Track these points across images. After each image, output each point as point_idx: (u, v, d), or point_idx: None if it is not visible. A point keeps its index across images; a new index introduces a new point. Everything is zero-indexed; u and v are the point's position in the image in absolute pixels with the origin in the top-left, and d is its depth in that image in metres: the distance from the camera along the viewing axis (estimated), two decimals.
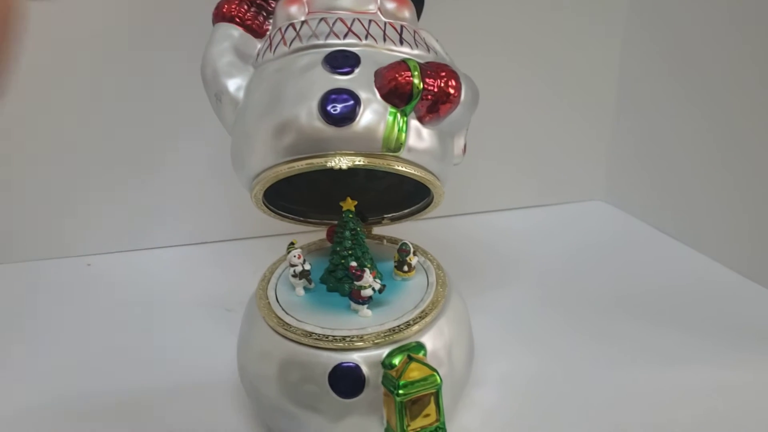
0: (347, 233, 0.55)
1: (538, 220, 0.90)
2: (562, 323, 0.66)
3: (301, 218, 0.63)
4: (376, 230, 0.64)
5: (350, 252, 0.56)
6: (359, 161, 0.51)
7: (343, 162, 0.51)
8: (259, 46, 0.57)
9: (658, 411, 0.55)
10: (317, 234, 0.64)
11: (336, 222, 0.57)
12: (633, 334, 0.65)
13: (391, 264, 0.58)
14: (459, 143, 0.57)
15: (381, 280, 0.54)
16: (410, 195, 0.62)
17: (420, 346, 0.54)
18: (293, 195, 0.62)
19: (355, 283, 0.52)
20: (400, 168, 0.51)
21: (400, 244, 0.60)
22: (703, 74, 0.76)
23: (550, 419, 0.55)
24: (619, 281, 0.74)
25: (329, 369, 0.49)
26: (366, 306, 0.53)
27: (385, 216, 0.64)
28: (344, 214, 0.56)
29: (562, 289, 0.73)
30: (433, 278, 0.58)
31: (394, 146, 0.50)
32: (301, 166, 0.51)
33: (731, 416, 0.54)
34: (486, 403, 0.59)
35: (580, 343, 0.63)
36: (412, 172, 0.51)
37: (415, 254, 0.60)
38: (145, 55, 0.77)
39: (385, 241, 0.64)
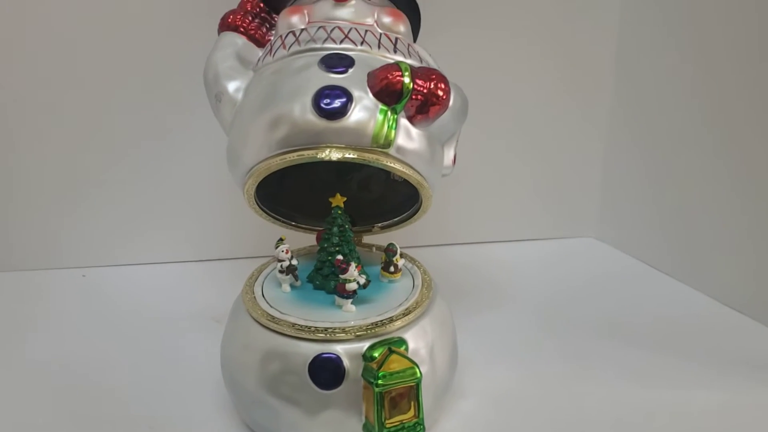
0: (335, 229, 0.56)
1: (529, 253, 0.90)
2: (548, 346, 0.67)
3: (293, 223, 0.64)
4: (366, 239, 0.65)
5: (337, 249, 0.56)
6: (350, 155, 0.52)
7: (333, 154, 0.52)
8: (260, 53, 0.59)
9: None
10: (308, 239, 0.64)
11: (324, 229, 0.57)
12: (620, 359, 0.65)
13: (378, 268, 0.59)
14: (449, 154, 0.58)
15: (367, 278, 0.56)
16: (400, 206, 0.64)
17: (401, 341, 0.54)
18: (286, 200, 0.63)
19: (340, 276, 0.53)
20: (389, 164, 0.52)
21: (387, 244, 0.61)
22: (700, 106, 0.76)
23: None
24: (610, 312, 0.74)
25: (310, 359, 0.50)
26: (350, 301, 0.53)
27: (375, 225, 0.65)
28: (333, 210, 0.56)
29: (551, 316, 0.73)
30: (419, 281, 0.59)
31: (383, 142, 0.52)
32: (293, 158, 0.53)
33: None
34: (468, 413, 0.58)
35: (565, 365, 0.64)
36: (401, 169, 0.52)
37: (402, 256, 0.61)
38: (148, 68, 0.78)
39: (374, 248, 0.65)
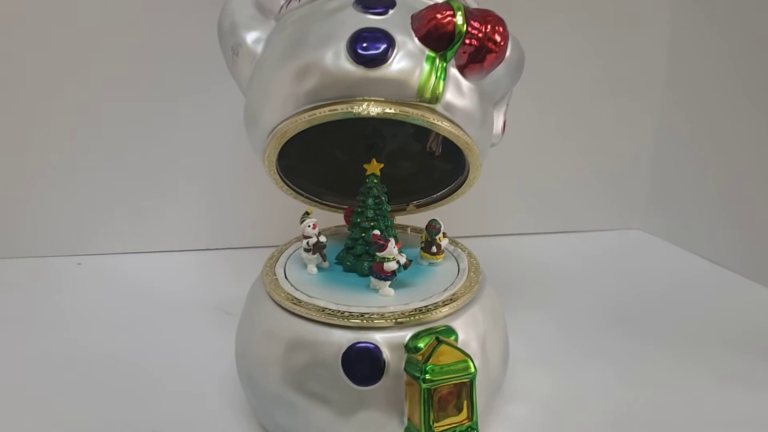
0: (370, 201, 0.50)
1: (573, 246, 0.86)
2: (605, 346, 0.63)
3: (317, 199, 0.58)
4: (400, 219, 0.59)
5: (372, 224, 0.50)
6: (390, 110, 0.46)
7: (372, 108, 0.46)
8: (282, 0, 0.52)
9: None
10: (334, 219, 0.59)
11: (354, 205, 0.52)
12: (686, 362, 0.61)
13: (416, 251, 0.53)
14: (499, 119, 0.53)
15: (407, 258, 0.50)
16: (436, 183, 0.58)
17: (450, 331, 0.47)
18: (309, 174, 0.58)
19: (378, 254, 0.47)
20: (435, 122, 0.46)
21: (429, 221, 0.54)
22: (756, 87, 0.73)
23: None
24: (669, 309, 0.70)
25: (343, 349, 0.44)
26: (389, 283, 0.48)
27: (410, 202, 0.59)
28: (368, 179, 0.51)
29: (604, 314, 0.69)
30: (464, 264, 0.53)
31: (430, 96, 0.45)
32: (323, 114, 0.46)
33: None
34: (519, 419, 0.53)
35: (625, 368, 0.60)
36: (448, 128, 0.46)
37: (445, 235, 0.54)
38: (147, 55, 0.75)
39: (409, 229, 0.59)
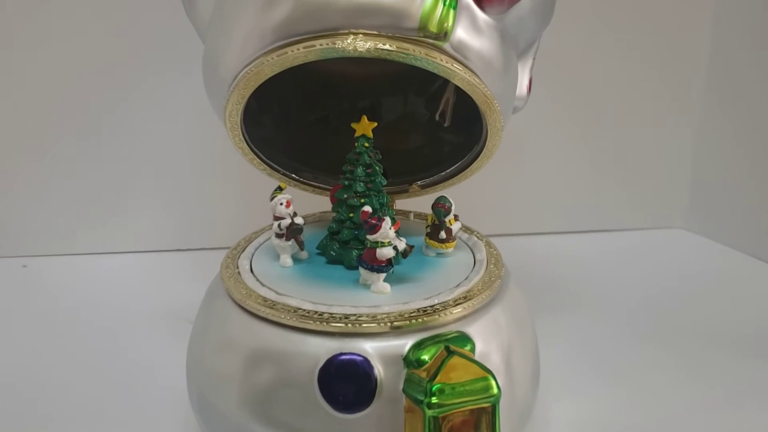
0: (360, 171, 0.43)
1: (609, 246, 0.83)
2: (649, 359, 0.58)
3: (297, 177, 0.52)
4: (401, 203, 0.53)
5: (363, 201, 0.43)
6: (385, 45, 0.37)
7: (360, 44, 0.37)
8: None
9: None
10: (318, 203, 0.53)
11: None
12: (741, 375, 0.56)
13: (421, 240, 0.46)
14: (524, 75, 0.47)
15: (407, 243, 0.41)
16: (444, 160, 0.52)
17: (465, 339, 0.38)
18: (288, 146, 0.52)
19: (369, 237, 0.39)
20: (444, 64, 0.38)
21: (436, 198, 0.45)
22: None
23: None
24: (720, 314, 0.66)
25: (321, 363, 0.36)
26: (383, 276, 0.40)
27: (414, 181, 0.53)
28: (357, 142, 0.43)
29: (647, 321, 0.65)
30: (481, 255, 0.45)
31: (436, 29, 0.38)
32: (297, 52, 0.38)
33: None
34: None
35: (667, 385, 0.55)
36: (461, 74, 0.39)
37: (457, 218, 0.45)
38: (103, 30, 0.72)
39: (412, 215, 0.53)
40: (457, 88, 0.51)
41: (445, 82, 0.50)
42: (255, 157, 0.48)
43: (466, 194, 0.52)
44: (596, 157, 0.84)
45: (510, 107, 0.45)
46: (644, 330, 0.63)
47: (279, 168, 0.50)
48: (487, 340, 0.39)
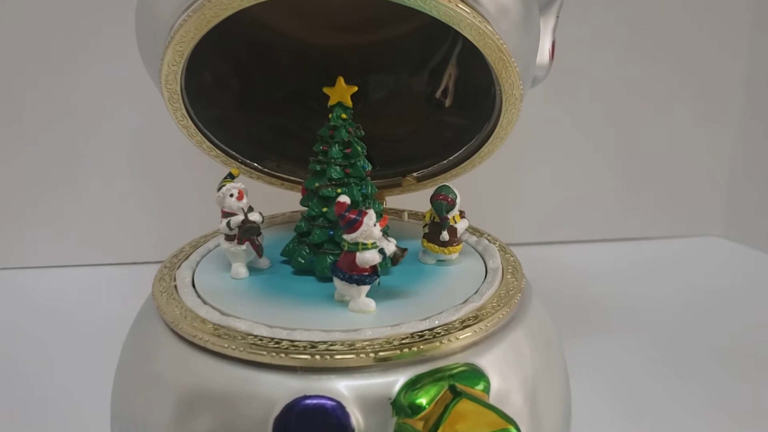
0: (335, 151, 0.36)
1: (640, 255, 0.80)
2: (686, 391, 0.55)
3: (257, 166, 0.45)
4: (392, 200, 0.47)
5: (339, 191, 0.36)
6: None
7: None
8: None
9: None
10: (286, 201, 0.48)
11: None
12: None
13: (416, 243, 0.40)
14: (546, 36, 0.42)
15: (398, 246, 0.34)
16: (445, 147, 0.46)
17: (476, 374, 0.31)
18: (251, 130, 0.46)
19: (346, 238, 0.32)
20: (445, 4, 0.31)
21: (437, 188, 0.38)
22: None
23: None
24: (756, 334, 0.63)
25: (279, 409, 0.29)
26: (366, 290, 0.33)
27: (408, 173, 0.47)
28: (332, 112, 0.37)
29: (688, 340, 0.62)
30: (495, 263, 0.38)
31: None
32: None
33: None
34: None
35: (726, 418, 0.52)
36: (469, 17, 0.32)
37: (463, 215, 0.38)
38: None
39: (406, 215, 0.47)
40: (461, 58, 0.46)
41: (446, 52, 0.45)
42: (204, 139, 0.41)
43: (474, 195, 0.46)
44: (625, 159, 0.82)
45: (530, 72, 0.39)
46: (683, 352, 0.60)
47: (237, 155, 0.44)
48: (505, 375, 0.32)
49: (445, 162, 0.45)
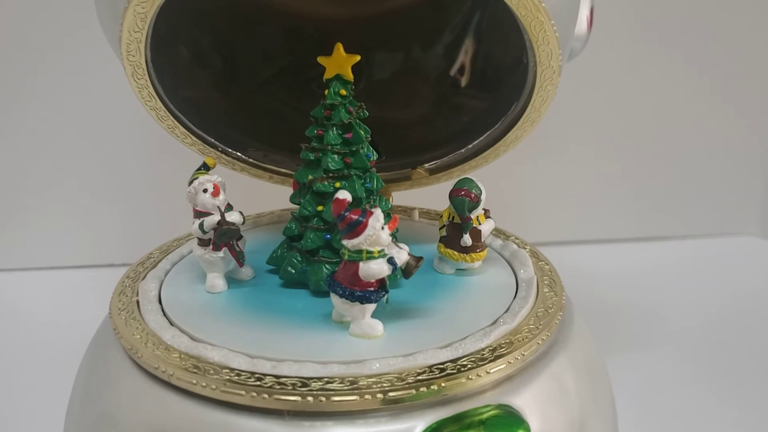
0: (332, 135, 0.31)
1: (671, 256, 0.76)
2: (720, 402, 0.53)
3: (241, 155, 0.42)
4: (399, 196, 0.43)
5: (338, 184, 0.31)
6: None
7: None
8: None
9: None
10: (273, 198, 0.45)
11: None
12: None
13: (431, 248, 0.36)
14: (584, 5, 0.39)
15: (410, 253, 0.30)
16: (465, 132, 0.43)
17: (513, 419, 0.26)
18: (230, 112, 0.43)
19: (346, 244, 0.28)
20: None
21: (457, 181, 0.33)
22: None
23: None
24: None
25: None
26: (372, 309, 0.29)
27: (419, 164, 0.43)
28: (329, 87, 0.31)
29: (737, 353, 0.60)
30: (527, 273, 0.33)
31: None
32: None
33: None
34: None
35: None
36: None
37: (488, 214, 0.33)
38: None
39: (416, 214, 0.44)
40: (479, 30, 0.42)
41: (462, 23, 0.42)
42: (176, 123, 0.36)
43: (491, 191, 0.41)
44: (655, 155, 0.79)
45: (568, 41, 0.35)
46: (734, 365, 0.58)
47: (216, 142, 0.40)
48: (548, 416, 0.28)
49: (462, 151, 0.42)
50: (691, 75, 0.78)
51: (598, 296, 0.68)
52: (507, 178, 0.64)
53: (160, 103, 0.37)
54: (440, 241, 0.35)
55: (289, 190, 0.39)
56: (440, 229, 0.35)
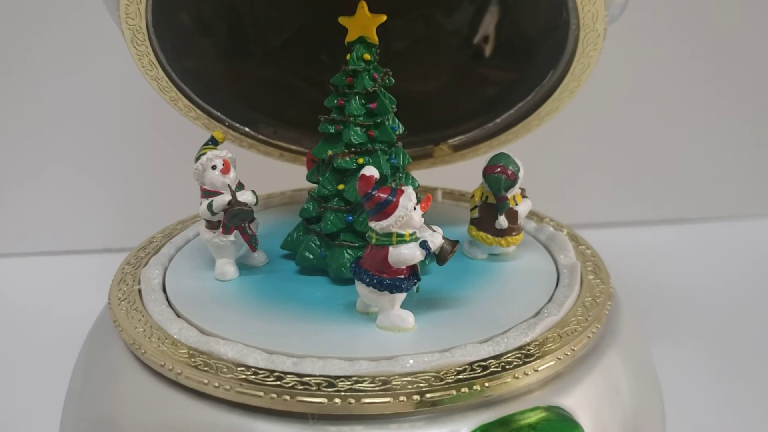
0: (354, 105, 0.29)
1: (694, 239, 0.73)
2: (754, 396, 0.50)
3: (249, 131, 0.40)
4: (421, 175, 0.38)
5: (362, 160, 0.29)
6: None
7: None
8: None
9: None
10: (283, 178, 0.43)
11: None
12: None
13: (461, 230, 0.34)
14: None
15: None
16: (491, 105, 0.41)
17: (565, 423, 0.25)
18: (237, 84, 0.41)
19: (374, 227, 0.26)
20: None
21: (492, 157, 0.31)
22: None
23: None
24: None
25: None
26: (401, 299, 0.27)
27: (442, 140, 0.42)
28: (352, 51, 0.29)
29: (750, 342, 0.57)
30: (569, 258, 0.31)
31: None
32: None
33: None
34: None
35: None
36: None
37: (524, 193, 0.31)
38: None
39: (439, 194, 0.42)
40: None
41: None
42: (180, 95, 0.34)
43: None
44: (698, 135, 0.76)
45: (611, 3, 0.33)
46: (749, 351, 0.56)
47: (224, 117, 0.38)
48: (600, 417, 0.26)
49: (490, 125, 0.39)
50: (731, 58, 0.75)
51: (637, 280, 0.65)
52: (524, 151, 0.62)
53: (162, 73, 0.35)
54: (471, 223, 0.33)
55: (301, 170, 0.38)
56: (471, 210, 0.33)
